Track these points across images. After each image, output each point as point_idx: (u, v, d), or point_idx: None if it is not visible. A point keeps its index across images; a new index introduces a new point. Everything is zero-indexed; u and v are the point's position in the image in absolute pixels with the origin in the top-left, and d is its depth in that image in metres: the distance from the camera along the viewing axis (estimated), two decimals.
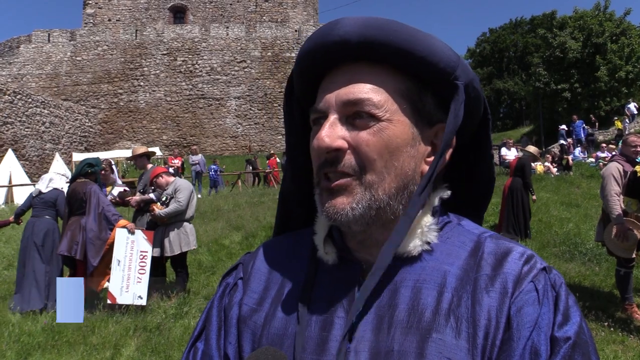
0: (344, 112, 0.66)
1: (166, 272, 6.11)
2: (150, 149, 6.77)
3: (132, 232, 5.48)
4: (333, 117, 0.66)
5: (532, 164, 8.92)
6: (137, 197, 5.95)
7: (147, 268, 5.46)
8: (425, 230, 0.68)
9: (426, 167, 0.69)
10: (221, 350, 0.72)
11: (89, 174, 5.79)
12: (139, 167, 6.46)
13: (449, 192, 0.73)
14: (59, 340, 4.50)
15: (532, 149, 8.65)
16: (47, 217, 5.85)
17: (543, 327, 0.59)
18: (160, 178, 5.88)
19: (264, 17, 34.53)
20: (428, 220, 0.69)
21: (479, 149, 0.77)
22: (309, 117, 0.74)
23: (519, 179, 8.01)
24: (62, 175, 6.40)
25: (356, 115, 0.65)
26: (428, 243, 0.68)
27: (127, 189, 7.34)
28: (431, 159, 0.70)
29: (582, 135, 20.23)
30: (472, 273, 0.65)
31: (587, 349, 0.59)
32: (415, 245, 0.67)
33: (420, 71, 0.67)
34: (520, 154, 9.85)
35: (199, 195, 14.67)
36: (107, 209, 5.58)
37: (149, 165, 6.32)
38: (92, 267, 5.43)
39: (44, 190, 5.90)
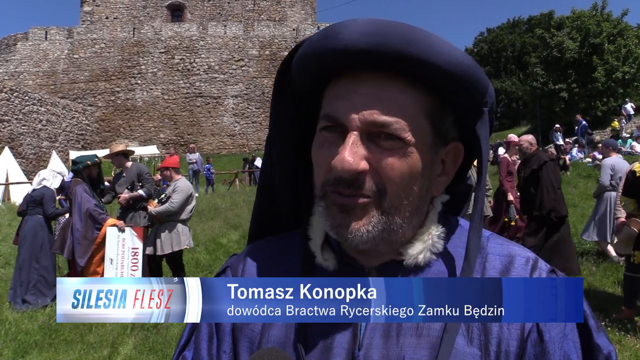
0: (367, 129, 0.60)
1: (162, 271, 6.10)
2: (147, 148, 6.73)
3: (122, 230, 5.49)
4: (354, 135, 0.60)
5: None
6: (127, 194, 5.82)
7: (140, 264, 5.51)
8: (434, 241, 0.67)
9: (434, 187, 0.67)
10: (213, 359, 0.69)
11: (77, 172, 5.77)
12: (117, 166, 6.21)
13: (447, 196, 0.72)
14: (56, 338, 4.50)
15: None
16: (37, 215, 5.84)
17: (569, 335, 0.61)
18: (166, 171, 5.83)
19: (262, 16, 34.48)
20: (436, 229, 0.68)
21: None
22: (303, 112, 0.71)
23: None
24: (58, 173, 6.28)
25: (381, 134, 0.60)
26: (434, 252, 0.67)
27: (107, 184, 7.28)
28: (441, 178, 0.68)
29: (586, 135, 20.28)
30: (479, 276, 0.64)
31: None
32: (424, 257, 0.66)
33: (451, 92, 0.62)
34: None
35: (196, 194, 14.64)
36: (93, 209, 5.53)
37: (129, 163, 6.12)
38: (80, 267, 5.43)
39: (35, 188, 5.89)
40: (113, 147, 6.18)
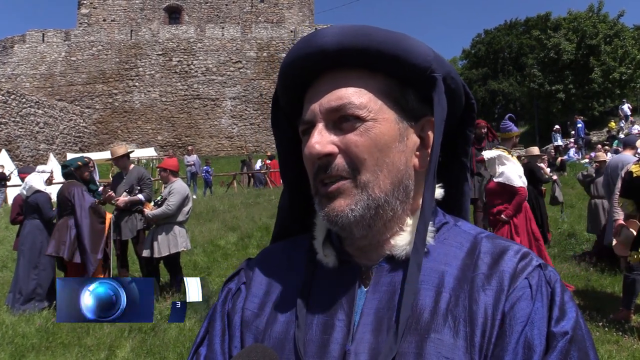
0: (329, 118, 0.67)
1: (159, 274, 6.09)
2: (145, 150, 6.73)
3: None
4: (320, 125, 0.67)
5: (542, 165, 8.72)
6: (125, 197, 5.82)
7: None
8: None
9: (417, 161, 0.71)
10: (226, 355, 0.72)
11: (68, 174, 5.77)
12: (121, 168, 6.16)
13: (442, 192, 0.75)
14: (53, 341, 4.48)
15: (535, 150, 8.54)
16: (35, 220, 5.81)
17: (536, 322, 0.60)
18: (164, 172, 5.84)
19: (260, 18, 34.50)
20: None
21: (462, 130, 0.79)
22: (297, 130, 0.75)
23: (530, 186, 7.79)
24: (42, 172, 6.14)
25: (342, 119, 0.67)
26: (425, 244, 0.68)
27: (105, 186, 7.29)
28: (421, 152, 0.71)
29: (583, 135, 20.32)
30: (470, 273, 0.66)
31: (584, 344, 0.60)
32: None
33: (398, 70, 0.68)
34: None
35: (194, 196, 14.63)
36: (96, 204, 5.69)
37: (131, 166, 6.16)
38: (96, 262, 5.46)
39: (28, 195, 5.82)
40: (116, 150, 6.18)
